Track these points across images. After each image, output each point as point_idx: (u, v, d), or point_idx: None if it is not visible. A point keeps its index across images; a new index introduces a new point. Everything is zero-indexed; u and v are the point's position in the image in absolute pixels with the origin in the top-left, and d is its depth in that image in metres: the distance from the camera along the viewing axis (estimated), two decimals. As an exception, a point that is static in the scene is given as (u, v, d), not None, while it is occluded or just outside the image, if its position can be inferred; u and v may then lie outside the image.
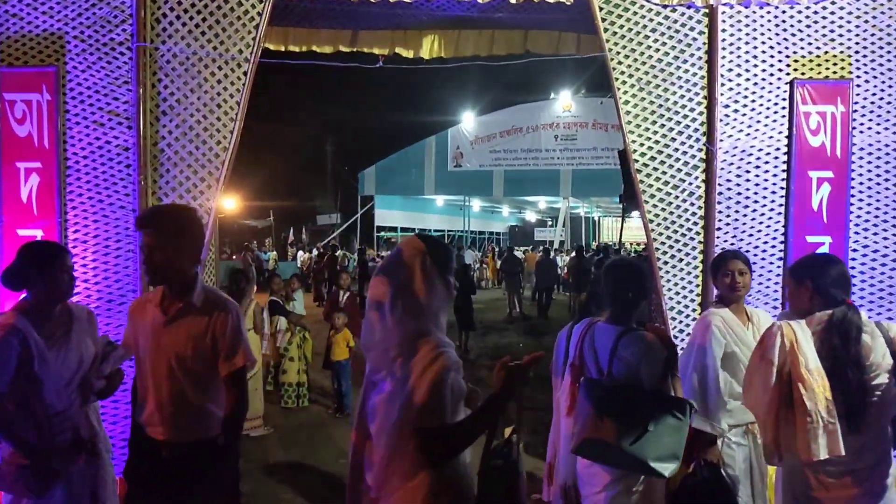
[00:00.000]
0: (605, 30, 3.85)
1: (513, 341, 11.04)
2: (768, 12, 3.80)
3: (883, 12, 3.75)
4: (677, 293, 3.92)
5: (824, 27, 3.79)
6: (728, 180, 3.86)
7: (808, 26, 3.80)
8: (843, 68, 3.79)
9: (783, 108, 3.81)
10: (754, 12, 3.80)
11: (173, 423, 2.31)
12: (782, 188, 3.83)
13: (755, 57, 3.82)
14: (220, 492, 2.31)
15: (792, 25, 3.81)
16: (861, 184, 3.79)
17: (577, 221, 32.16)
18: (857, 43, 3.78)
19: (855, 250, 3.79)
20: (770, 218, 3.86)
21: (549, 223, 31.43)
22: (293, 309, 7.11)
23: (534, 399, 5.27)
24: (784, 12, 3.80)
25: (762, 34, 3.81)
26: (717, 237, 3.84)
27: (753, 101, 3.83)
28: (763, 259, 3.85)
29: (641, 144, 3.92)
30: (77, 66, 3.80)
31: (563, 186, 21.24)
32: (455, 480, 1.83)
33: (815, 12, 3.79)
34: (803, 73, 3.80)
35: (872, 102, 3.77)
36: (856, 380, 2.19)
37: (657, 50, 3.87)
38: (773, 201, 3.85)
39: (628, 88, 3.91)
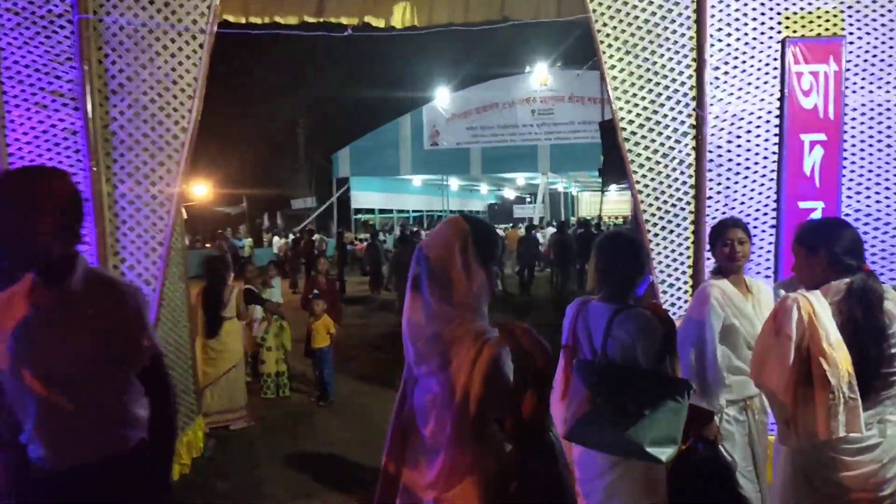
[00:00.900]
0: (589, -11, 3.63)
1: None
2: (758, -33, 3.62)
3: (875, -36, 3.59)
4: (668, 265, 3.78)
5: (816, -19, 3.62)
6: (719, 146, 3.70)
7: (800, -20, 3.63)
8: (835, 25, 3.62)
9: (775, 68, 3.65)
10: (743, -33, 3.61)
11: (76, 442, 1.83)
12: (774, 153, 3.68)
13: (745, 15, 3.64)
14: None
15: (783, -20, 3.63)
16: (854, 146, 3.66)
17: (556, 197, 32.14)
18: (849, -3, 3.62)
19: (847, 215, 3.66)
20: (762, 185, 3.71)
21: (529, 200, 31.33)
22: (270, 297, 6.86)
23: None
24: (774, -34, 3.62)
25: (752, -10, 3.63)
26: (709, 206, 3.69)
27: (744, 62, 3.66)
28: (755, 228, 3.70)
29: (629, 111, 3.72)
30: (12, 43, 3.47)
31: (542, 162, 21.12)
32: (512, 468, 1.66)
33: (806, -34, 3.62)
34: (795, 31, 3.63)
35: (865, 60, 3.63)
36: (877, 351, 2.06)
37: (644, 10, 3.66)
38: (764, 167, 3.70)
39: (614, 52, 3.71)
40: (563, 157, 20.48)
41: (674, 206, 3.74)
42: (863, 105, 3.64)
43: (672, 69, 3.69)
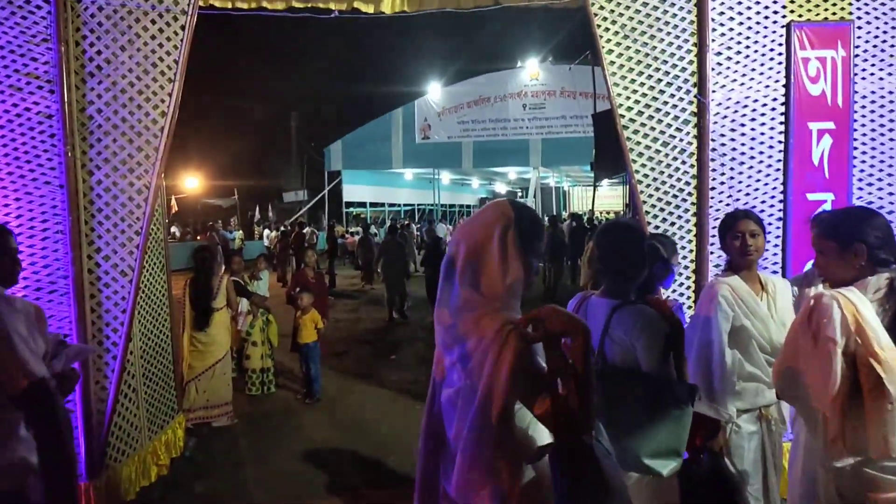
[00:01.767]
0: (587, -30, 3.48)
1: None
2: (763, -53, 3.48)
3: (885, -54, 3.46)
4: (669, 259, 3.65)
5: (823, -37, 3.49)
6: (722, 135, 3.56)
7: (806, -38, 3.50)
8: (842, 9, 3.49)
9: (780, 53, 3.51)
10: (748, -52, 3.47)
11: None
12: (780, 142, 3.55)
13: (749, -3, 3.50)
14: None
15: (788, -38, 3.50)
16: (864, 135, 3.53)
17: (548, 192, 32.02)
18: (857, -20, 3.50)
19: (856, 207, 3.55)
20: (768, 175, 3.58)
21: (520, 194, 31.18)
22: (256, 290, 6.68)
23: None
24: (780, -53, 3.48)
25: (757, -28, 3.50)
26: (712, 197, 3.55)
27: (748, 46, 3.52)
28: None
29: (628, 98, 3.58)
30: (-17, 22, 3.27)
31: (533, 156, 21.02)
32: (538, 475, 1.52)
33: (813, -53, 3.49)
34: (801, 15, 3.50)
35: (875, 46, 3.50)
36: None
37: (644, -9, 3.52)
38: (770, 157, 3.57)
39: (612, 36, 3.56)
40: (554, 151, 20.41)
41: (675, 196, 3.61)
42: (872, 92, 3.51)
43: (672, 54, 3.55)
